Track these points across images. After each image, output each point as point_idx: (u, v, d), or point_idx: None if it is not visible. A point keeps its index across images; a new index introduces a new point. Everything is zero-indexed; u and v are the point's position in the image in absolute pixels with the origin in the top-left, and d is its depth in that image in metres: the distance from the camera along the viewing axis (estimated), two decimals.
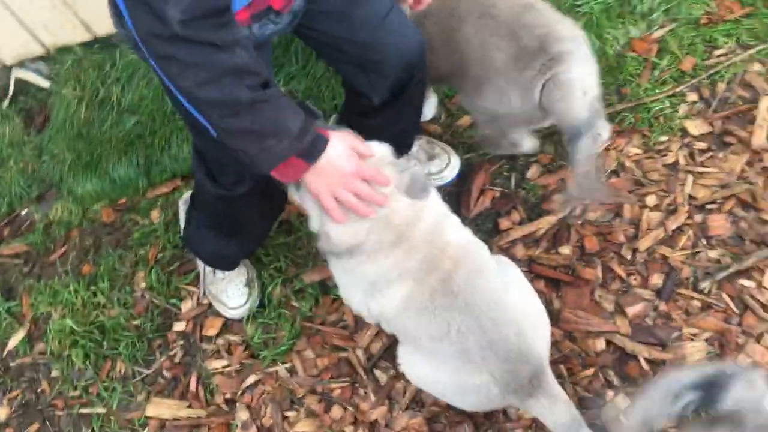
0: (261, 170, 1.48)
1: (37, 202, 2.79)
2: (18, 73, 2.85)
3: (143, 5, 1.24)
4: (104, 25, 2.72)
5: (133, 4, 1.26)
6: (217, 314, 2.34)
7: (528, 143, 2.29)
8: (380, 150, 1.62)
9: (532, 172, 2.34)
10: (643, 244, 2.13)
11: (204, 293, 2.38)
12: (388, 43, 1.81)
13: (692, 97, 2.35)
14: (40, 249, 2.67)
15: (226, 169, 1.84)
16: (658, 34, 2.47)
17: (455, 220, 1.75)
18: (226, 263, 2.29)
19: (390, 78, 1.87)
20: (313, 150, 1.47)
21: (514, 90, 1.98)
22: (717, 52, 2.40)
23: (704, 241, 2.11)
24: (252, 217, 2.08)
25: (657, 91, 2.36)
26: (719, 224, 2.11)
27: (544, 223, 2.23)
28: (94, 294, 2.47)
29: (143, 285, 2.46)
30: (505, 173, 2.37)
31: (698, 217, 2.14)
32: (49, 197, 2.78)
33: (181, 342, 2.35)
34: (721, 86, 2.33)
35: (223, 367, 2.27)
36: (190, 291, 2.42)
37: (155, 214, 2.61)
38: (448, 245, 1.66)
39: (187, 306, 2.40)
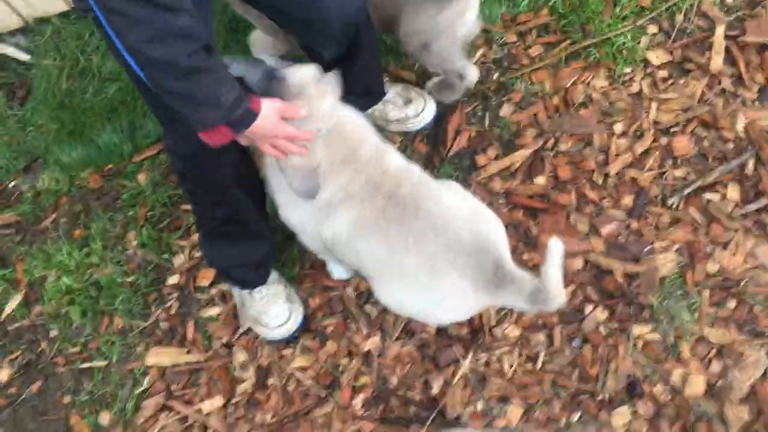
0: (190, 126, 1.58)
1: (24, 173, 2.83)
2: None
3: None
4: None
5: None
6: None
7: (472, 71, 2.37)
8: (305, 72, 1.71)
9: (505, 110, 2.43)
10: (613, 168, 2.23)
11: (243, 321, 2.30)
12: (327, 1, 1.86)
13: (652, 29, 2.45)
14: (30, 218, 2.72)
15: (175, 123, 1.78)
16: None
17: (392, 148, 1.85)
18: (254, 273, 2.21)
19: (334, 35, 1.94)
20: (242, 123, 1.58)
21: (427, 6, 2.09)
22: None
23: (670, 162, 2.22)
24: (231, 183, 1.94)
25: (619, 26, 2.46)
26: (683, 145, 2.22)
27: (518, 157, 2.33)
28: (87, 255, 2.53)
29: (135, 243, 2.53)
30: (479, 113, 2.46)
31: (663, 140, 2.25)
32: (36, 168, 2.83)
33: (176, 294, 2.42)
34: (679, 17, 2.44)
35: (218, 314, 2.34)
36: (181, 246, 2.49)
37: (142, 177, 2.67)
38: (388, 167, 1.77)
39: (179, 260, 2.47)
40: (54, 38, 2.83)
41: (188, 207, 2.53)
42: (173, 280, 2.44)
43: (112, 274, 2.47)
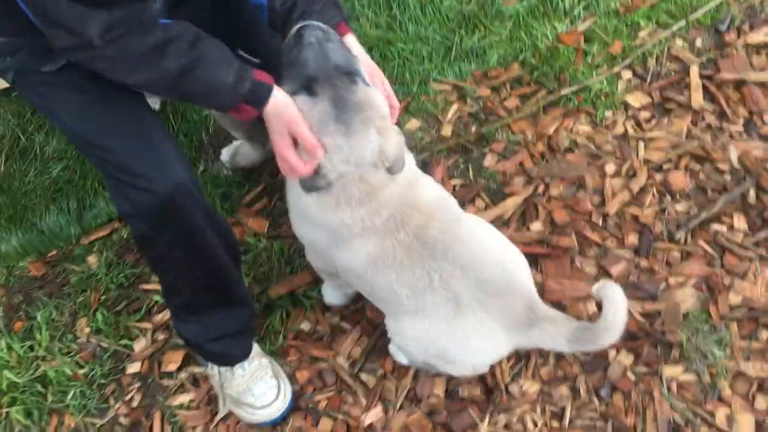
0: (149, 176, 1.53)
1: None
2: None
3: (59, 26, 1.33)
4: None
5: (49, 24, 1.34)
6: (177, 347, 2.12)
7: None
8: (377, 98, 1.53)
9: (488, 160, 2.32)
10: (612, 208, 2.13)
11: (224, 405, 1.98)
12: None
13: (627, 75, 2.44)
14: None
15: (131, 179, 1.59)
16: (582, 27, 2.58)
17: (428, 178, 1.72)
18: (236, 345, 1.92)
19: None
20: (256, 97, 1.48)
21: None
22: (641, 34, 2.53)
23: (669, 197, 2.13)
24: (206, 229, 1.67)
25: (593, 73, 2.44)
26: (680, 179, 2.15)
27: (510, 205, 2.20)
28: (31, 348, 2.20)
29: (88, 330, 2.22)
30: (461, 166, 2.34)
31: (658, 177, 2.18)
32: None
33: (138, 384, 2.10)
34: (651, 62, 2.44)
35: (190, 401, 2.04)
36: (142, 328, 2.20)
37: (93, 259, 2.39)
38: (420, 202, 1.63)
39: (140, 345, 2.17)
40: None
41: (149, 286, 2.27)
42: (134, 368, 2.13)
43: (62, 366, 2.14)
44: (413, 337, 1.65)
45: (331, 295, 2.06)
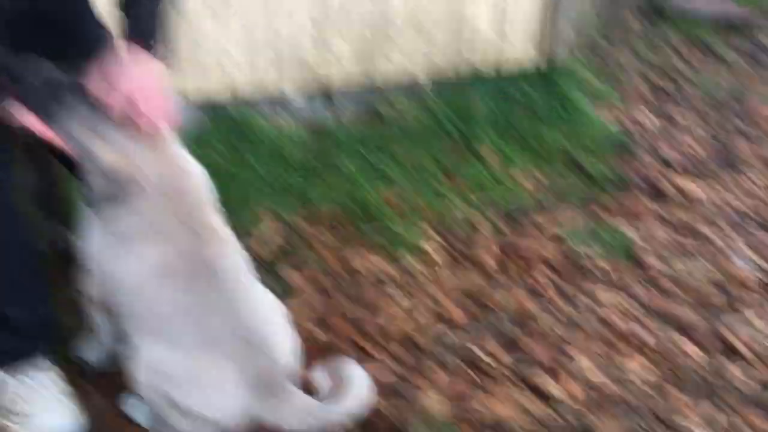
0: None
1: None
2: None
3: None
4: None
5: None
6: None
7: None
8: None
9: None
10: None
11: None
12: None
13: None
14: None
15: None
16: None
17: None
18: (20, 340, 1.71)
19: None
20: None
21: None
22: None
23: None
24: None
25: None
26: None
27: None
28: None
29: None
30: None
31: None
32: None
33: None
34: None
35: None
36: None
37: None
38: (217, 226, 1.65)
39: None
40: None
41: None
42: None
43: None
44: (153, 360, 1.56)
45: (89, 350, 1.91)
